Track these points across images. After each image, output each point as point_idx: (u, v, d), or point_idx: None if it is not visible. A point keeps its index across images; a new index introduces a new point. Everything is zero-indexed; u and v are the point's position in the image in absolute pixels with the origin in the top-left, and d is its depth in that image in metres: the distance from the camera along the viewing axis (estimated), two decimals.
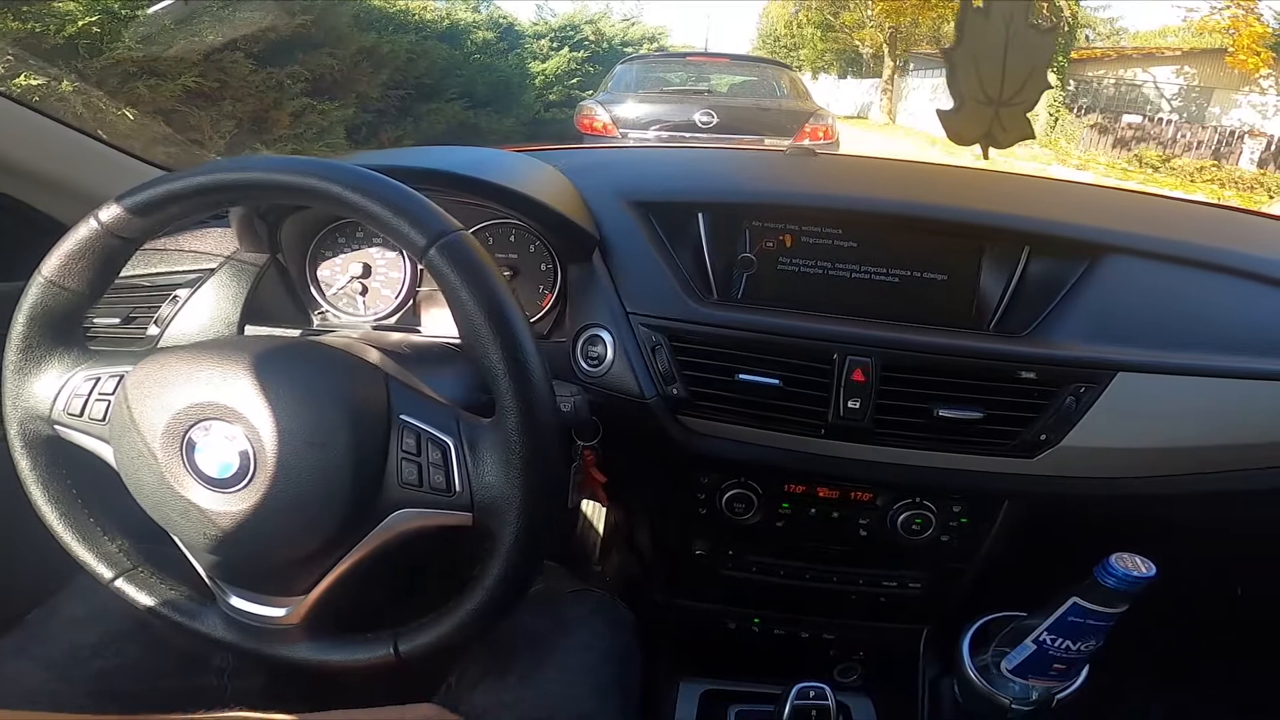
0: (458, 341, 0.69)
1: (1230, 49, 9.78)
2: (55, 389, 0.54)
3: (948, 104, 0.69)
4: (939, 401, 0.68)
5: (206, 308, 0.80)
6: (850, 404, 0.69)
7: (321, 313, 0.86)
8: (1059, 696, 0.71)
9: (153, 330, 0.82)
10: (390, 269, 0.85)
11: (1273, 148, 9.24)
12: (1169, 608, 0.82)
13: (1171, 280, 0.74)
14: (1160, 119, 11.18)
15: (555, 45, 7.82)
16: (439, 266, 0.47)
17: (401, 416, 0.50)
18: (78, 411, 0.54)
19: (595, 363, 0.73)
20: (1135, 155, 10.13)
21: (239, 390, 0.48)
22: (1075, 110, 11.86)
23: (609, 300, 0.73)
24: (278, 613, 0.53)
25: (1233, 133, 9.86)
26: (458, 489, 0.48)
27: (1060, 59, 11.18)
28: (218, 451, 0.49)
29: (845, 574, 0.84)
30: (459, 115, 5.45)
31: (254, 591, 0.54)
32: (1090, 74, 12.96)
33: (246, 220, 0.78)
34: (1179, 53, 11.79)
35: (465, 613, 0.51)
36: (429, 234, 0.48)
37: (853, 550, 0.82)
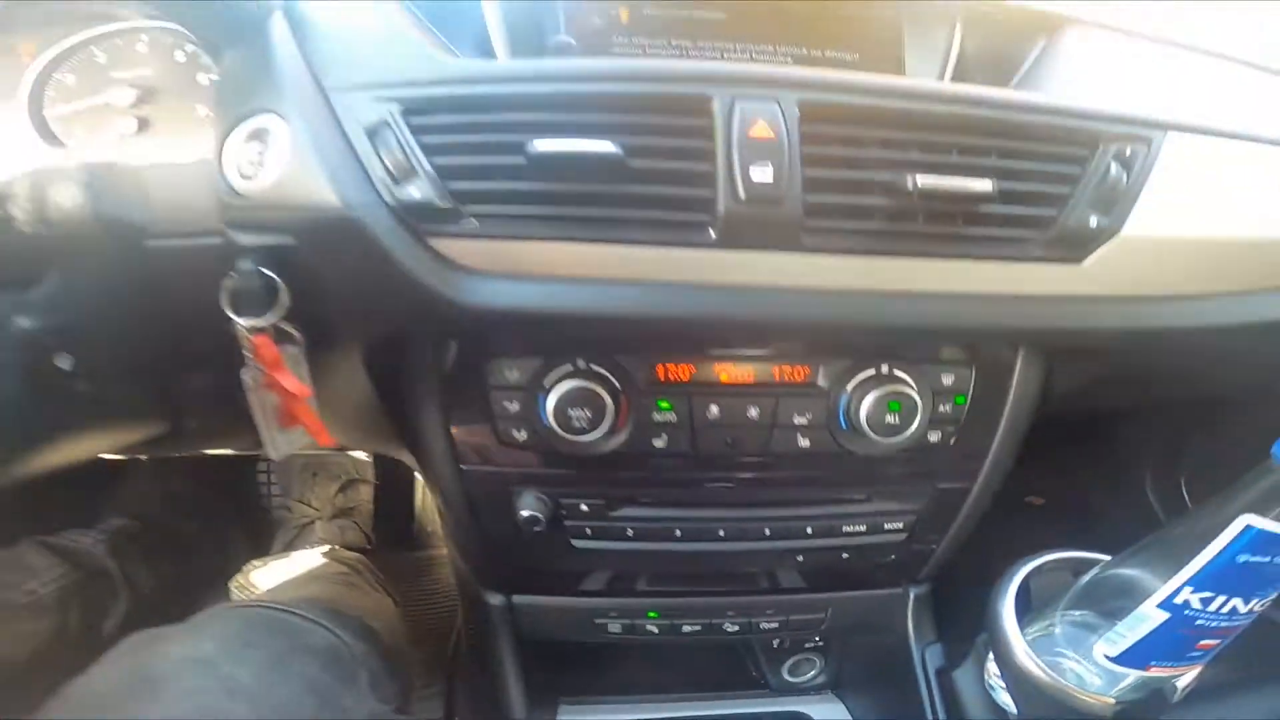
0: None
1: None
2: None
3: None
4: (911, 167, 0.36)
5: None
6: (757, 174, 0.35)
7: None
8: (1184, 686, 0.39)
9: None
10: None
11: None
12: None
13: (1155, 53, 0.48)
14: None
15: None
16: None
17: None
18: None
19: (254, 170, 0.36)
20: None
21: None
22: None
23: (290, 76, 0.37)
24: None
25: None
26: None
27: None
28: None
29: (783, 522, 0.48)
30: None
31: None
32: None
33: None
34: None
35: None
36: None
37: (791, 476, 0.46)
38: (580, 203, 0.35)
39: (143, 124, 0.47)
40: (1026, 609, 0.44)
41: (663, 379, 0.42)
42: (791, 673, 0.61)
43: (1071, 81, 0.43)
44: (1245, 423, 0.55)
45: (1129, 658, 0.36)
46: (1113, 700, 0.38)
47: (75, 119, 0.48)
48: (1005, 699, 0.44)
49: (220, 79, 0.40)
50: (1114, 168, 0.37)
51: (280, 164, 0.36)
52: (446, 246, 0.36)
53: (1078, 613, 0.40)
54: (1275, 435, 0.30)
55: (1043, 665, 0.40)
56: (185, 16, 0.40)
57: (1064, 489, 0.73)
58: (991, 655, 0.45)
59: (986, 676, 0.47)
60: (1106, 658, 0.37)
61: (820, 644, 0.59)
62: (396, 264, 0.35)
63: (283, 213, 0.36)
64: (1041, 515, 0.75)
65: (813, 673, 0.61)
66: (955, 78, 0.49)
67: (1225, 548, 0.32)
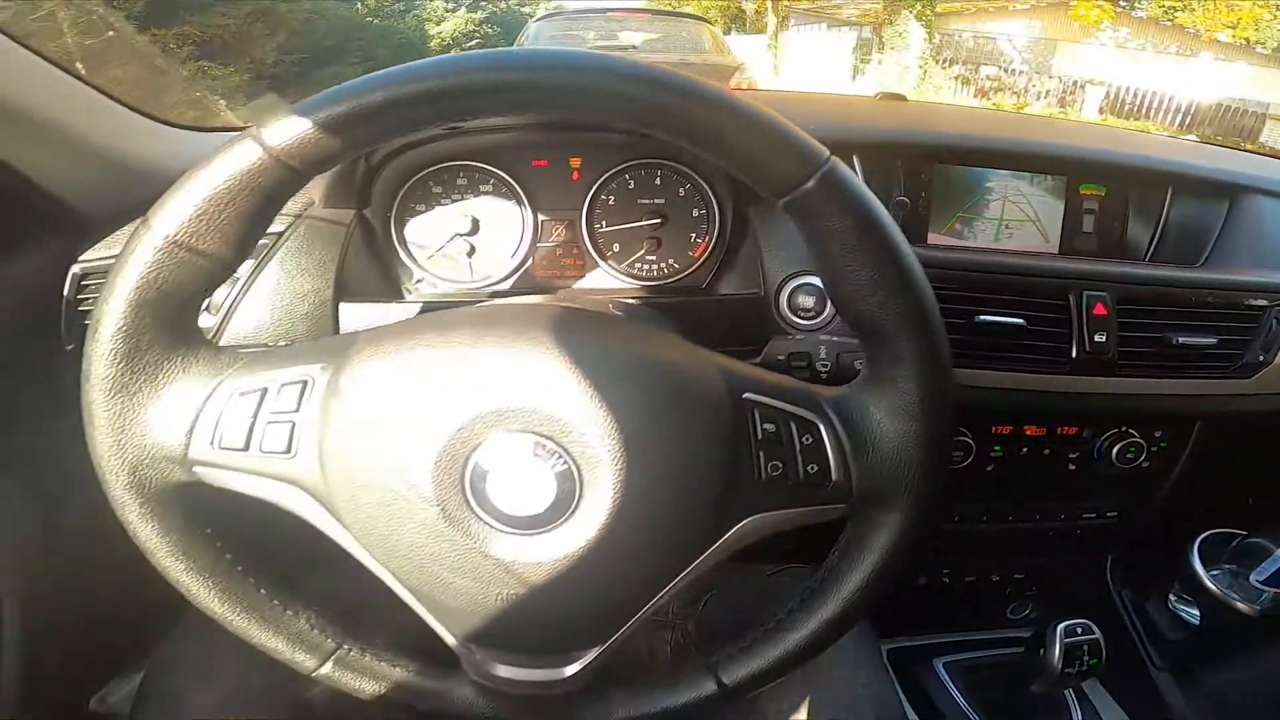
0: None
1: (1071, 2, 10.70)
2: (191, 414, 0.36)
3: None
4: (1175, 330, 0.67)
5: (282, 286, 0.62)
6: (1097, 337, 0.66)
7: (417, 282, 0.70)
8: None
9: (205, 320, 0.62)
10: (503, 224, 0.70)
11: (1111, 95, 10.32)
12: None
13: None
14: (1013, 70, 12.14)
15: (451, 7, 7.27)
16: (818, 204, 0.35)
17: (747, 395, 0.37)
18: (238, 444, 0.36)
19: (809, 315, 0.64)
20: (993, 104, 10.98)
21: (551, 385, 0.34)
22: (941, 63, 12.64)
23: None
24: (557, 674, 0.40)
25: (1075, 82, 10.89)
26: (835, 476, 0.37)
27: (928, 13, 11.80)
28: (524, 479, 0.35)
29: (1048, 510, 0.80)
30: None
31: (534, 655, 0.40)
32: (952, 28, 13.85)
33: (348, 164, 0.61)
34: (1029, 6, 12.83)
35: (819, 625, 0.40)
36: (811, 162, 0.35)
37: (1060, 486, 0.78)
38: (999, 349, 0.65)
39: (654, 245, 0.69)
40: (1201, 559, 0.77)
41: (995, 432, 0.74)
42: (1012, 613, 0.94)
43: (1247, 243, 0.73)
44: None
45: (1268, 582, 0.70)
46: (1257, 607, 0.71)
47: (613, 236, 0.70)
48: (1188, 613, 0.77)
49: (761, 234, 0.65)
50: (1275, 323, 0.69)
51: (828, 314, 0.63)
52: None
53: (1229, 565, 0.74)
54: None
55: (1219, 587, 0.73)
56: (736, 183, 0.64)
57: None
58: (1176, 584, 0.78)
59: (1170, 601, 0.80)
60: (1258, 581, 0.70)
61: (1034, 592, 0.91)
62: None
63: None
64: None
65: (1025, 612, 0.94)
66: (1163, 230, 0.74)
67: None
